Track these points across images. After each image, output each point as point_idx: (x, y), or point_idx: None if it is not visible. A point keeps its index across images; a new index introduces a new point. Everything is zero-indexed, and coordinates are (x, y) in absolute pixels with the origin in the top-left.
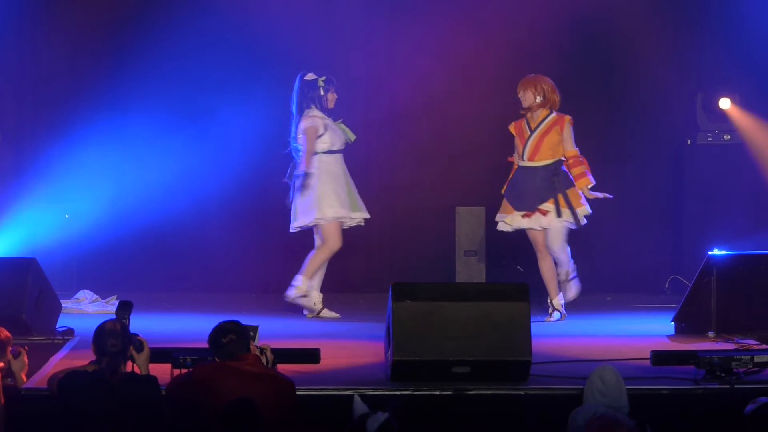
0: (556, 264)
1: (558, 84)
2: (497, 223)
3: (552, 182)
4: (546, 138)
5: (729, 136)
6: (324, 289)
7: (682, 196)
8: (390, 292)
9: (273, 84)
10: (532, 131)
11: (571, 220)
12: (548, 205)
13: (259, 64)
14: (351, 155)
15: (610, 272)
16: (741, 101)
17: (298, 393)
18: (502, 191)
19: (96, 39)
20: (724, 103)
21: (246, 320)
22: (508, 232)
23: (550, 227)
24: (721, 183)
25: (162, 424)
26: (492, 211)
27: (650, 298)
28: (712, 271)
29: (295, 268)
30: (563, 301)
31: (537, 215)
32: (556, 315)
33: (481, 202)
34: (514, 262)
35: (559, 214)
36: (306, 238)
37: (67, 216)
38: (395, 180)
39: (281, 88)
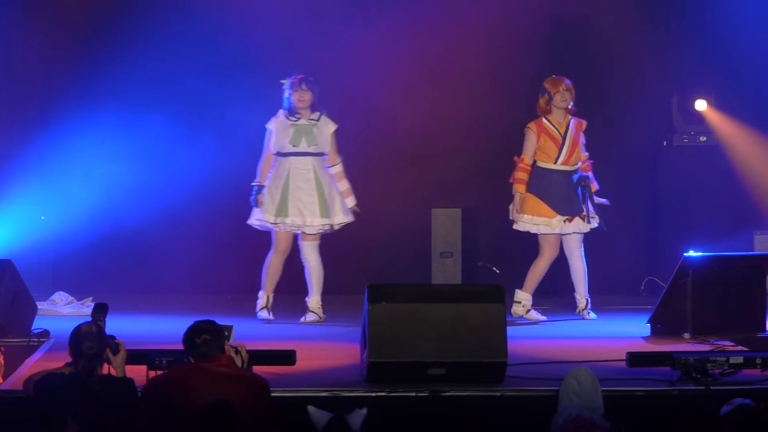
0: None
1: (534, 85)
2: (516, 223)
3: (583, 187)
4: (578, 142)
5: (705, 138)
6: (299, 291)
7: (658, 197)
8: (366, 294)
9: (249, 85)
10: (563, 135)
11: (596, 225)
12: (585, 211)
13: (237, 66)
14: None
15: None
16: (717, 103)
17: (273, 395)
18: (522, 191)
19: (70, 37)
20: (700, 105)
21: (221, 322)
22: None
23: (581, 232)
24: (697, 184)
25: (138, 426)
26: (469, 212)
27: (626, 299)
28: (688, 273)
29: None
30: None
31: (578, 220)
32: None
33: (457, 203)
34: (490, 264)
35: (589, 219)
36: None
37: (42, 218)
38: (371, 181)
39: (259, 90)
